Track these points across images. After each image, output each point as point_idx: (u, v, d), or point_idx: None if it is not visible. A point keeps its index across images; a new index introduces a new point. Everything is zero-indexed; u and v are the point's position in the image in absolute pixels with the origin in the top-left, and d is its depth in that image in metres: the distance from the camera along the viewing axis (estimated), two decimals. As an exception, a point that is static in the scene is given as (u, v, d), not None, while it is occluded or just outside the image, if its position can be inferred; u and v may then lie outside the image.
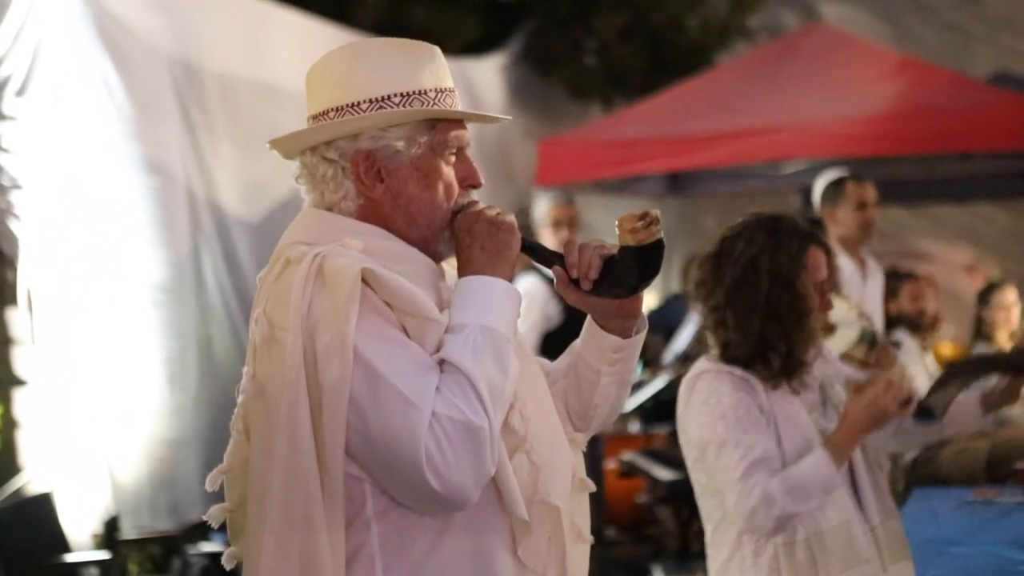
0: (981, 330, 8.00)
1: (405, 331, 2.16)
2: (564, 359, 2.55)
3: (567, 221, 6.74)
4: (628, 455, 7.62)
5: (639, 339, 2.47)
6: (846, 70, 8.74)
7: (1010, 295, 7.97)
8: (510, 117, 2.52)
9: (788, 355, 3.40)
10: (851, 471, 3.51)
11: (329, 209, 2.32)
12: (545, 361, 2.58)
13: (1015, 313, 7.97)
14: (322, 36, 8.54)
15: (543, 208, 6.88)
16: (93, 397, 6.72)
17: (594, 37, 12.27)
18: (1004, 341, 7.89)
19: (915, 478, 5.79)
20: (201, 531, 6.87)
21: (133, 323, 6.88)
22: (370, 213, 2.30)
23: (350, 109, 2.27)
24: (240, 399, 2.24)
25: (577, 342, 2.51)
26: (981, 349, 7.88)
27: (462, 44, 10.96)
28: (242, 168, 7.55)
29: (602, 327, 2.45)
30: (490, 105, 10.35)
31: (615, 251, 2.33)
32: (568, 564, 2.32)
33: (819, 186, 6.48)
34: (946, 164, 9.31)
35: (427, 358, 2.15)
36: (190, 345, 7.13)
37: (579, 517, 2.39)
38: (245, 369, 2.23)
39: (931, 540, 4.38)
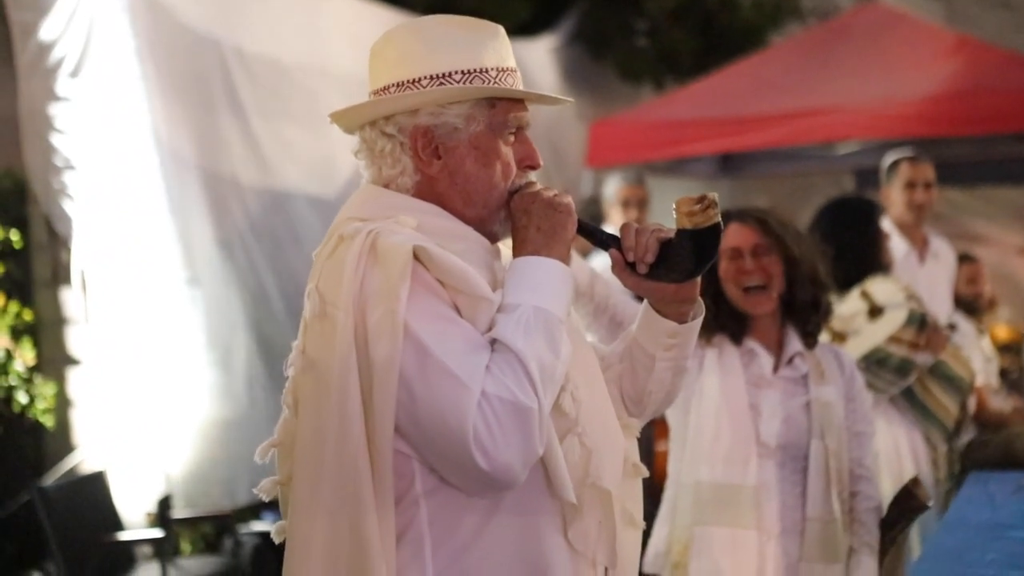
0: (1038, 313, 7.90)
1: (457, 309, 2.15)
2: (619, 344, 2.53)
3: (636, 201, 6.70)
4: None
5: (695, 324, 2.44)
6: (900, 50, 8.64)
7: (1067, 277, 7.87)
8: (571, 99, 2.50)
9: (716, 316, 3.62)
10: (805, 464, 3.60)
11: (386, 185, 2.31)
12: (600, 345, 2.56)
13: (1072, 295, 7.87)
14: (374, 19, 8.53)
15: (612, 188, 6.84)
16: (146, 377, 6.76)
17: (645, 18, 12.21)
18: (1062, 323, 7.80)
19: (970, 462, 5.72)
20: (253, 511, 6.92)
21: (184, 304, 6.92)
22: (427, 190, 2.30)
23: (411, 85, 2.27)
24: (290, 374, 2.23)
25: (633, 327, 2.49)
26: (1038, 332, 7.80)
27: (512, 26, 10.91)
28: (294, 151, 7.56)
29: (658, 312, 2.42)
30: (541, 87, 10.31)
31: (672, 235, 2.30)
32: (619, 548, 2.30)
33: (883, 165, 6.42)
34: (1002, 144, 9.19)
35: (478, 337, 2.13)
36: (239, 327, 7.16)
37: (631, 502, 2.37)
38: (295, 344, 2.23)
39: (988, 524, 4.32)
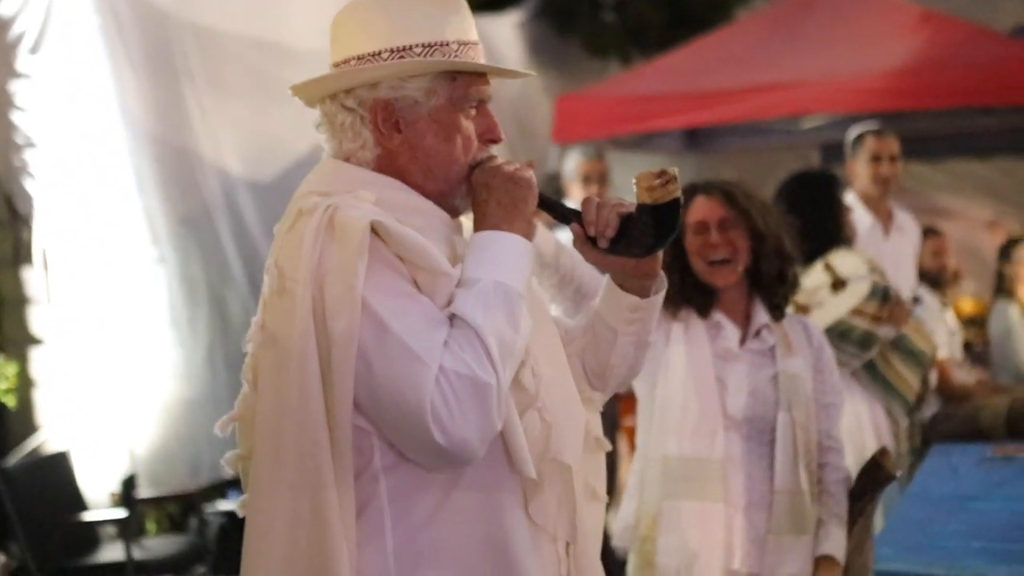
0: (1002, 286, 7.93)
1: (416, 284, 2.15)
2: (582, 318, 2.52)
3: (597, 176, 6.67)
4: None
5: (657, 299, 2.44)
6: (866, 24, 8.64)
7: (1032, 250, 7.89)
8: (533, 73, 2.50)
9: (681, 289, 3.64)
10: (772, 437, 3.60)
11: (347, 159, 2.30)
12: (563, 319, 2.56)
13: (1037, 269, 7.89)
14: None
15: (572, 163, 6.81)
16: (109, 356, 6.72)
17: (612, -7, 12.17)
18: (1026, 297, 7.83)
19: (934, 434, 5.75)
20: (218, 489, 6.89)
21: (148, 282, 6.88)
22: (387, 164, 2.29)
23: (371, 58, 2.26)
24: (249, 348, 2.23)
25: (596, 301, 2.49)
26: (1003, 304, 7.82)
27: (479, 1, 10.86)
28: (252, 129, 7.51)
29: (620, 286, 2.42)
30: (507, 62, 10.27)
31: (633, 209, 2.30)
32: (579, 523, 2.29)
33: (848, 139, 6.43)
34: (968, 118, 9.21)
35: (437, 312, 2.13)
36: (203, 305, 7.12)
37: (593, 476, 2.38)
38: (255, 319, 2.22)
39: (951, 496, 4.35)
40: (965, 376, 7.11)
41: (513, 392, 2.17)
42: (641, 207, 2.28)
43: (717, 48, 9.07)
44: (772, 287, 3.69)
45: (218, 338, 7.18)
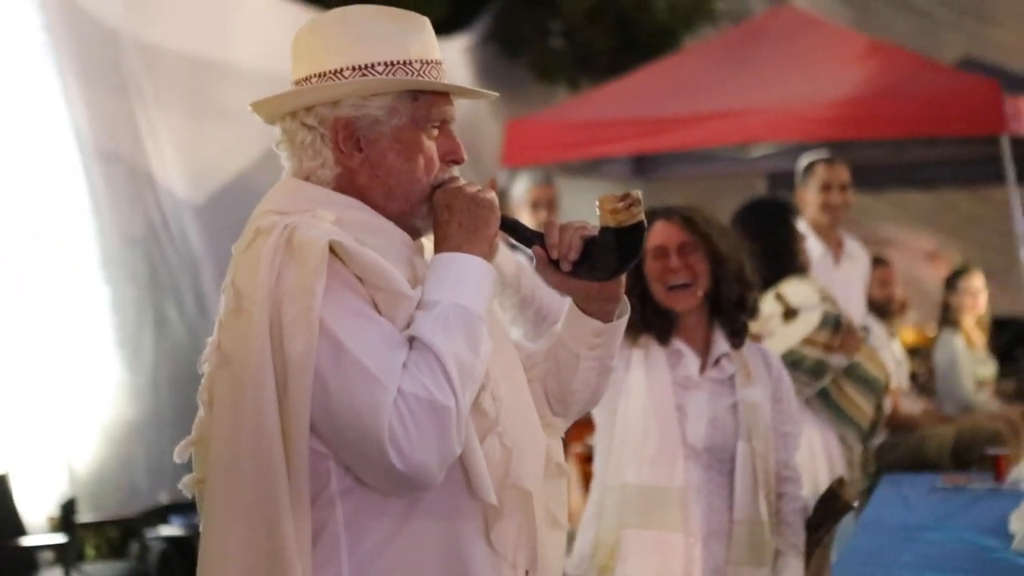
0: (948, 316, 7.97)
1: (375, 306, 2.11)
2: (544, 342, 2.48)
3: (545, 202, 6.63)
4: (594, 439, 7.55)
5: (620, 323, 2.40)
6: (814, 53, 8.69)
7: (977, 281, 7.95)
8: (495, 94, 2.46)
9: (641, 315, 3.59)
10: (732, 466, 3.58)
11: (306, 178, 2.26)
12: (524, 343, 2.53)
13: (982, 299, 7.95)
14: (284, 14, 8.42)
15: (521, 188, 6.77)
16: (49, 379, 6.62)
17: (560, 18, 12.20)
18: (971, 327, 7.88)
19: (882, 464, 5.76)
20: (160, 514, 6.79)
21: (88, 304, 6.78)
22: (347, 183, 2.25)
23: (332, 75, 2.23)
24: (205, 370, 2.18)
25: (557, 326, 2.45)
26: (948, 335, 7.87)
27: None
28: (194, 149, 7.45)
29: (583, 310, 2.38)
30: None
31: (596, 232, 2.27)
32: (540, 550, 2.25)
33: (798, 167, 6.44)
34: (913, 149, 9.29)
35: (396, 334, 2.09)
36: (147, 326, 7.03)
37: (554, 502, 2.33)
38: (210, 340, 2.18)
39: (902, 526, 4.34)
40: (911, 406, 7.14)
41: (473, 416, 2.13)
42: (604, 230, 2.25)
43: (666, 75, 9.09)
44: (732, 313, 3.66)
45: (163, 359, 7.08)
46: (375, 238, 2.17)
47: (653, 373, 3.61)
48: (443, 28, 11.03)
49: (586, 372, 2.41)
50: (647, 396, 3.58)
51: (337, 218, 2.16)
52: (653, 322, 3.64)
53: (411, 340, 2.09)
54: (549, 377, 2.44)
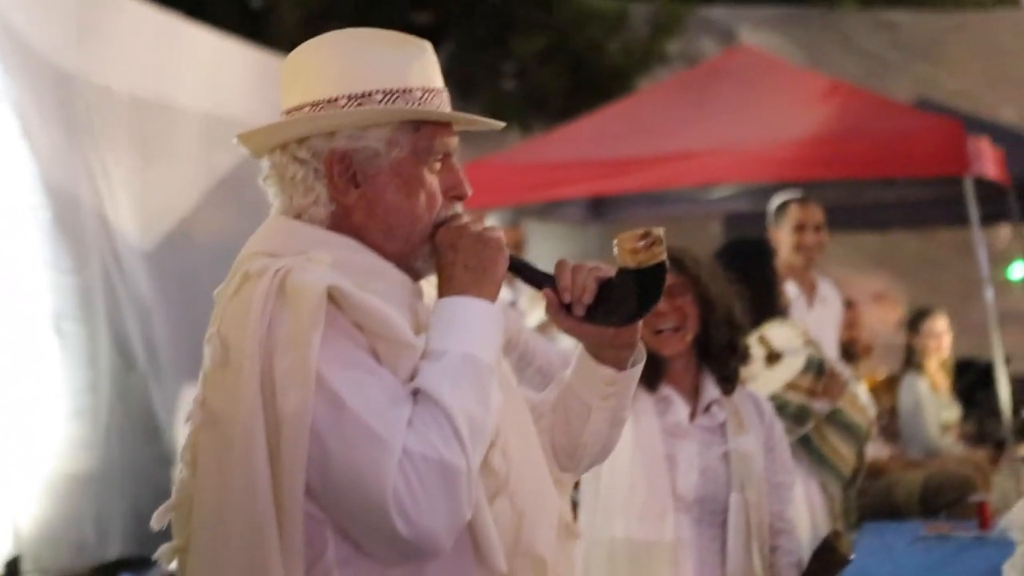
0: (911, 359, 7.90)
1: (376, 356, 1.93)
2: (551, 391, 2.31)
3: (512, 244, 6.46)
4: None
5: (635, 372, 2.24)
6: (773, 94, 8.61)
7: (940, 323, 7.89)
8: (503, 123, 2.29)
9: None
10: (724, 518, 3.43)
11: (298, 216, 2.08)
12: (530, 393, 2.34)
13: (945, 341, 7.88)
14: (233, 55, 8.26)
15: None
16: (-4, 428, 6.38)
17: (513, 60, 12.13)
18: (934, 370, 7.80)
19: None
20: (109, 572, 6.55)
21: (38, 353, 6.55)
22: (343, 222, 2.07)
23: (327, 104, 2.05)
24: (188, 428, 1.99)
25: (567, 373, 2.28)
26: (911, 378, 7.78)
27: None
28: (143, 192, 7.26)
29: (595, 357, 2.21)
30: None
31: (612, 274, 2.11)
32: None
33: (771, 207, 6.33)
34: (869, 190, 9.23)
35: (400, 388, 1.92)
36: (104, 375, 6.80)
37: (564, 568, 2.15)
38: (195, 396, 1.99)
39: (890, 577, 4.21)
40: (878, 451, 7.03)
41: (482, 476, 1.96)
42: (623, 271, 2.10)
43: (623, 117, 8.98)
44: (722, 358, 3.51)
45: (114, 410, 6.85)
46: (375, 282, 2.00)
47: (641, 421, 3.44)
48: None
49: (598, 423, 2.24)
50: (635, 445, 3.41)
51: (334, 260, 1.98)
52: None
53: (416, 394, 1.91)
54: (557, 429, 2.27)
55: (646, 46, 12.29)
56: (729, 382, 3.53)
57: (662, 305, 3.44)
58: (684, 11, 12.51)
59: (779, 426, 3.61)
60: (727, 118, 8.40)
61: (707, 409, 3.51)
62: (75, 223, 6.71)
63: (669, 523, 3.39)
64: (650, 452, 3.42)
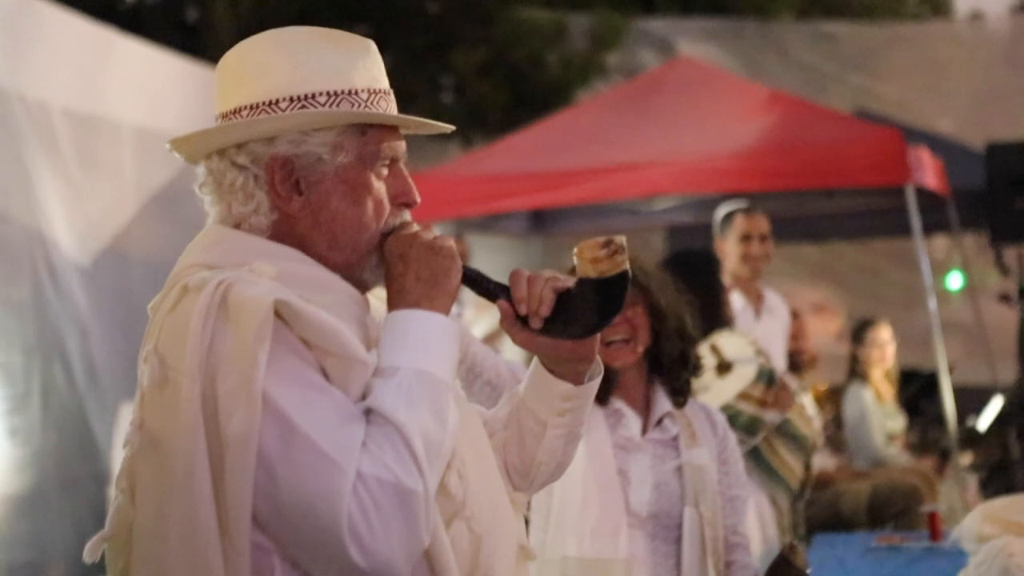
0: (856, 369, 7.88)
1: (325, 374, 1.83)
2: (503, 407, 2.22)
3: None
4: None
5: (592, 386, 2.15)
6: (713, 105, 8.58)
7: (884, 332, 7.88)
8: (452, 127, 2.19)
9: None
10: (678, 534, 3.36)
11: (236, 225, 1.97)
12: (482, 409, 2.24)
13: (890, 351, 7.88)
14: (168, 68, 8.14)
15: None
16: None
17: (452, 73, 12.06)
18: (879, 380, 7.79)
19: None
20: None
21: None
22: (285, 231, 1.97)
23: (267, 108, 1.94)
24: (125, 453, 1.87)
25: (520, 388, 2.18)
26: (856, 388, 7.77)
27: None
28: (79, 207, 7.12)
29: (551, 371, 2.12)
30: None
31: (571, 284, 2.02)
32: None
33: (716, 217, 6.28)
34: (810, 201, 9.22)
35: (351, 407, 1.81)
36: (34, 395, 6.64)
37: None
38: (132, 418, 1.87)
39: (844, 590, 4.16)
40: (824, 461, 7.00)
41: (438, 499, 1.86)
42: (583, 281, 2.01)
43: (563, 129, 8.93)
44: (674, 370, 3.44)
45: (49, 430, 6.69)
46: (321, 295, 1.89)
47: (592, 435, 3.35)
48: (332, 83, 10.84)
49: (552, 441, 2.15)
50: (586, 460, 3.32)
51: (278, 272, 1.88)
52: None
53: (368, 413, 1.81)
54: (510, 447, 2.18)
55: (585, 59, 12.25)
56: (681, 395, 3.46)
57: None
58: (622, 24, 12.48)
59: (732, 438, 3.55)
60: (668, 130, 8.36)
61: (659, 422, 3.43)
62: (5, 237, 6.57)
63: (623, 539, 3.30)
64: (602, 467, 3.33)
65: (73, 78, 7.34)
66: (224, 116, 1.99)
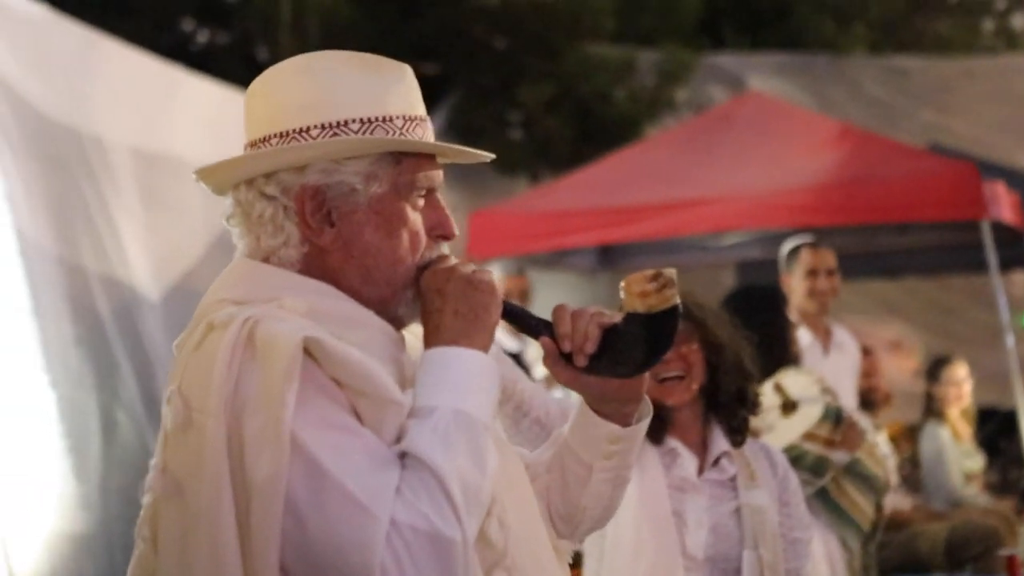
0: (931, 407, 7.71)
1: (358, 416, 1.74)
2: (547, 450, 2.12)
3: (517, 293, 6.33)
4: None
5: (641, 427, 2.05)
6: (783, 139, 8.48)
7: (960, 370, 7.70)
8: (492, 155, 2.09)
9: None
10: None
11: (266, 259, 1.89)
12: (524, 452, 2.14)
13: (966, 389, 7.70)
14: (237, 106, 8.13)
15: None
16: (-10, 489, 6.23)
17: (519, 109, 12.02)
18: (956, 418, 7.62)
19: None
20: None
21: (31, 410, 6.41)
22: (316, 265, 1.88)
23: (297, 135, 1.86)
24: (147, 499, 1.80)
25: (564, 429, 2.08)
26: (933, 426, 7.59)
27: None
28: (147, 243, 7.14)
29: (596, 412, 2.02)
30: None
31: (618, 320, 1.93)
32: None
33: (782, 252, 6.17)
34: (883, 236, 9.07)
35: (385, 450, 1.72)
36: (94, 432, 6.65)
37: None
38: (153, 462, 1.79)
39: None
40: (900, 502, 6.84)
41: (477, 548, 1.77)
42: (630, 317, 1.91)
43: (631, 164, 8.86)
44: (731, 408, 3.33)
45: (112, 467, 6.68)
46: (354, 332, 1.80)
47: (646, 475, 3.25)
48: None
49: (599, 485, 2.05)
50: (639, 502, 3.23)
51: (308, 308, 1.79)
52: None
53: (403, 457, 1.72)
54: (554, 492, 2.08)
55: (653, 94, 12.17)
56: (739, 433, 3.36)
57: None
58: (692, 59, 12.41)
59: (794, 479, 3.43)
60: (737, 164, 8.28)
61: (716, 462, 3.33)
62: (63, 278, 6.59)
63: None
64: (656, 509, 3.24)
65: (139, 117, 7.38)
66: (252, 145, 1.92)
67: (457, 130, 11.71)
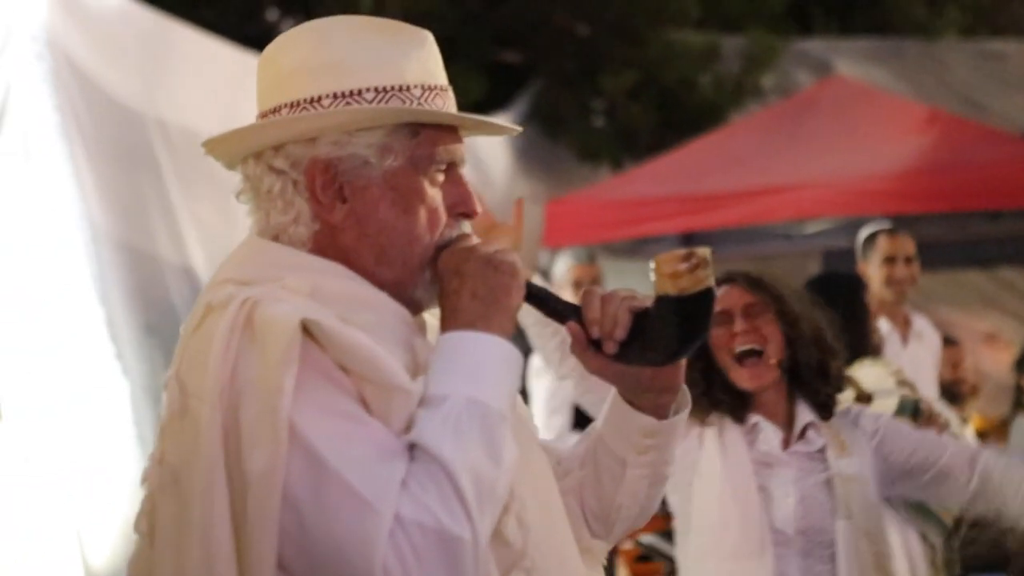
0: (1020, 400, 7.48)
1: (364, 403, 1.63)
2: (581, 444, 2.00)
3: (589, 281, 6.20)
4: (647, 537, 7.05)
5: (679, 420, 1.92)
6: (869, 125, 8.31)
7: (1049, 362, 7.46)
8: (519, 128, 1.98)
9: (707, 391, 3.20)
10: (833, 550, 3.18)
11: (275, 236, 1.79)
12: (556, 446, 2.02)
13: (1056, 381, 7.46)
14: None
15: (562, 267, 6.36)
16: (64, 476, 6.26)
17: (602, 97, 11.92)
18: (1047, 411, 7.39)
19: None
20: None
21: (106, 396, 6.43)
22: (328, 243, 1.78)
23: (308, 105, 1.76)
24: (143, 491, 1.71)
25: (597, 422, 1.96)
26: (1022, 420, 7.37)
27: (466, 104, 10.55)
28: (218, 231, 7.13)
29: (630, 403, 1.90)
30: (495, 169, 9.95)
31: (649, 304, 1.80)
32: None
33: (859, 239, 6.00)
34: (974, 224, 8.84)
35: (392, 441, 1.61)
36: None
37: None
38: (151, 452, 1.71)
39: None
40: (987, 497, 6.65)
41: (493, 548, 1.66)
42: (661, 300, 1.78)
43: (713, 150, 8.74)
44: (814, 384, 3.22)
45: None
46: (363, 314, 1.69)
47: (729, 452, 3.19)
48: (482, 108, 10.77)
49: (635, 482, 1.93)
50: (723, 478, 3.16)
51: (313, 288, 1.69)
52: (723, 399, 3.21)
53: (411, 448, 1.61)
54: (587, 489, 1.96)
55: (738, 80, 11.99)
56: (826, 409, 3.24)
57: (739, 325, 3.16)
58: (778, 44, 12.21)
59: (890, 425, 3.32)
60: (821, 150, 8.13)
61: (803, 434, 3.22)
62: (134, 266, 6.61)
63: (768, 560, 3.12)
64: (741, 485, 3.17)
65: (214, 104, 7.37)
66: (263, 115, 1.82)
67: (540, 118, 11.62)
